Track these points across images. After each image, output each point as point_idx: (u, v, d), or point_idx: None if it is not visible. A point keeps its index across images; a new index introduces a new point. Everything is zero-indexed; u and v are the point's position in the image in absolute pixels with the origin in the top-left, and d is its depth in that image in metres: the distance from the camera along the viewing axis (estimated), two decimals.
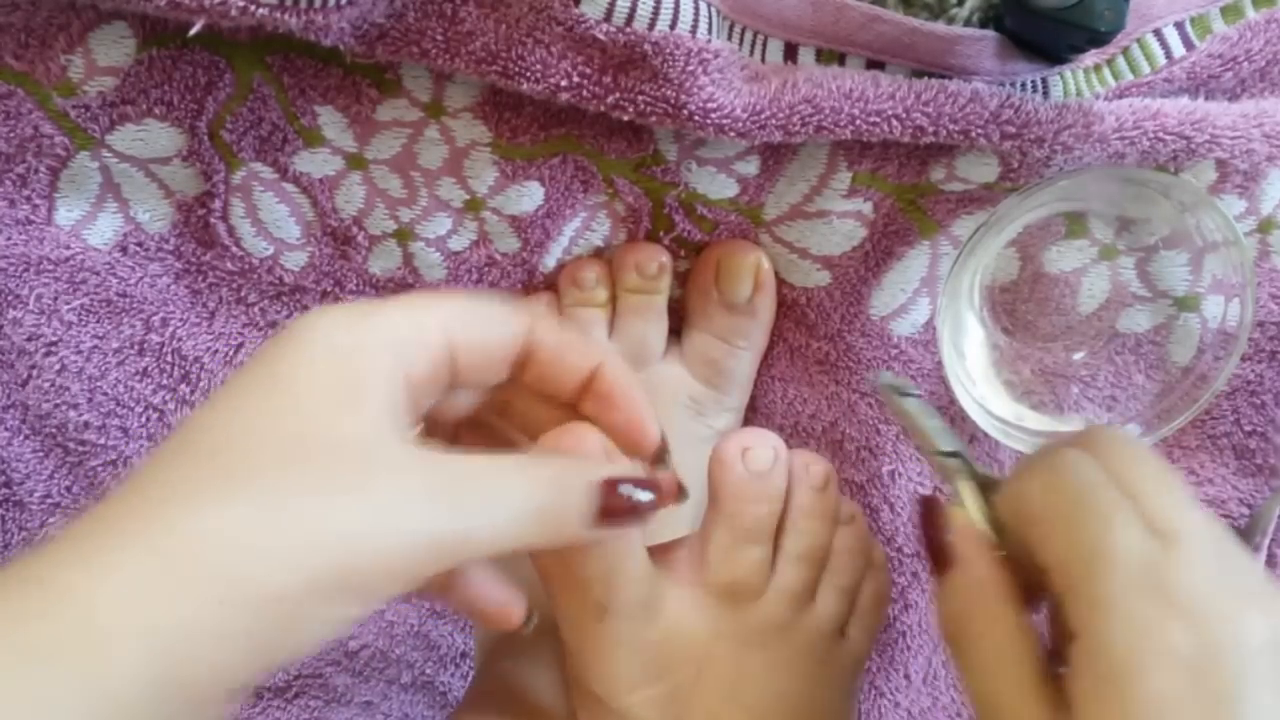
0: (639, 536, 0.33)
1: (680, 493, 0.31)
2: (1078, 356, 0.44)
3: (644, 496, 0.28)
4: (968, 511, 0.29)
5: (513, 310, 0.29)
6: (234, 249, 0.42)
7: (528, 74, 0.36)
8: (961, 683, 0.27)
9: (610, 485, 0.27)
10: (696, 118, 0.36)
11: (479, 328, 0.27)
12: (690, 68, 0.35)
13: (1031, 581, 0.27)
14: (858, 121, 0.37)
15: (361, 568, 0.22)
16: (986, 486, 0.30)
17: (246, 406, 0.24)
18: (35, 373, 0.43)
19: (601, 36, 0.35)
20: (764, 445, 0.35)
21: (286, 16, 0.33)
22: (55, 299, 0.42)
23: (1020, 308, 0.44)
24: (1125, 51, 0.39)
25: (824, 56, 0.38)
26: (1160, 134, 0.37)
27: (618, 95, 0.36)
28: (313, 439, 0.23)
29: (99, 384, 0.44)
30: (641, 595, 0.32)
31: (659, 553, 0.35)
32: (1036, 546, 0.26)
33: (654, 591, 0.33)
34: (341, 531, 0.22)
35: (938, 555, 0.29)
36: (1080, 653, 0.24)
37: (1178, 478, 0.26)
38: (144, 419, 0.45)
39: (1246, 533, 0.45)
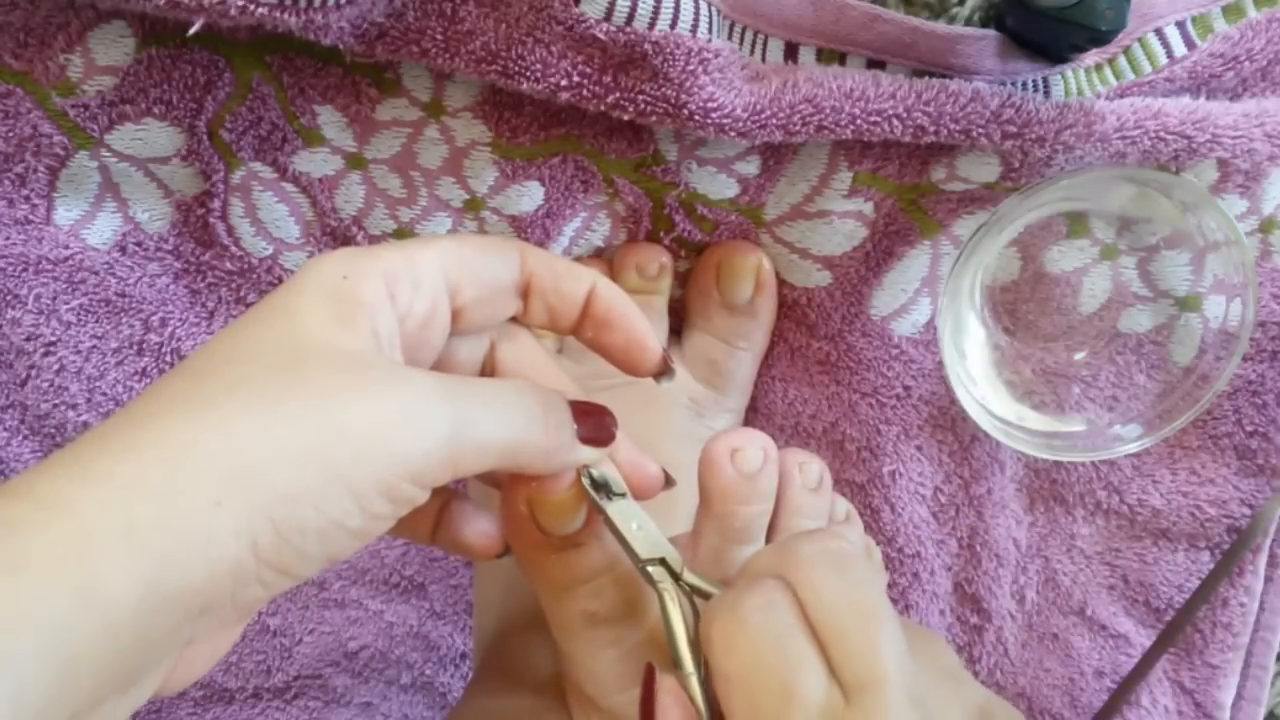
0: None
1: (668, 481, 0.32)
2: (1079, 356, 0.44)
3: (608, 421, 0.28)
4: (673, 630, 0.27)
5: (504, 241, 0.29)
6: (233, 249, 0.42)
7: (528, 73, 0.35)
8: None
9: (576, 404, 0.28)
10: (697, 117, 0.36)
11: (474, 260, 0.27)
12: (690, 67, 0.35)
13: None
14: (858, 121, 0.36)
15: (371, 465, 0.22)
16: (702, 595, 0.28)
17: (244, 332, 0.24)
18: (34, 372, 0.43)
19: (601, 36, 0.35)
20: (753, 446, 0.35)
21: (286, 16, 0.33)
22: (54, 299, 0.42)
23: (1021, 308, 0.44)
24: (1126, 51, 0.39)
25: (824, 56, 0.38)
26: (1162, 133, 0.37)
27: (618, 95, 0.36)
28: (309, 351, 0.23)
29: (98, 384, 0.43)
30: (628, 600, 0.32)
31: None
32: (723, 704, 0.25)
33: (639, 596, 0.33)
34: (348, 427, 0.22)
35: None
36: None
37: (877, 603, 0.25)
38: None
39: (1248, 533, 0.45)
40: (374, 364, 0.24)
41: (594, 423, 0.28)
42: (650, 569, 0.28)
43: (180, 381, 0.23)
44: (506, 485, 0.30)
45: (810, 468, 0.36)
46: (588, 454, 0.28)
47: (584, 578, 0.31)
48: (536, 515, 0.29)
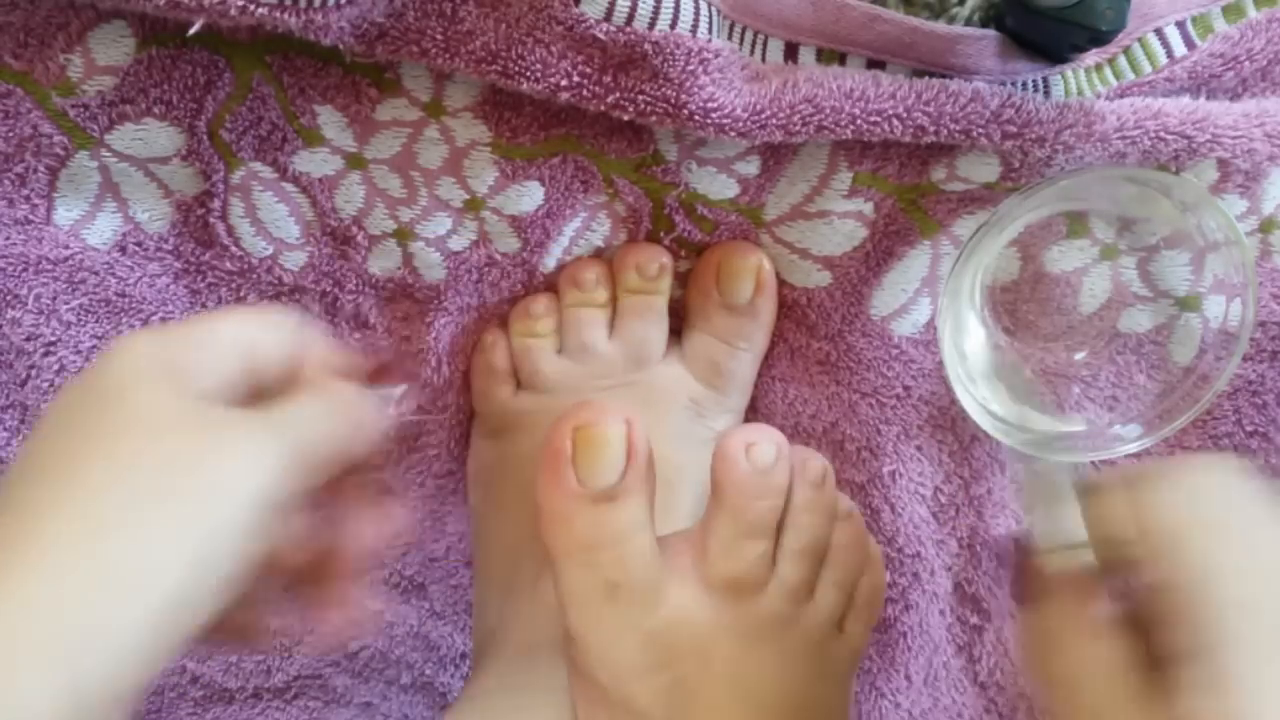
0: (649, 515, 0.33)
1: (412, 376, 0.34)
2: (1079, 357, 0.44)
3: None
4: (1055, 510, 0.28)
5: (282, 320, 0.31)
6: (233, 249, 0.42)
7: (528, 74, 0.35)
8: (1051, 708, 0.26)
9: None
10: (697, 117, 0.36)
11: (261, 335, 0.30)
12: (690, 67, 0.35)
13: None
14: (859, 121, 0.36)
15: (233, 531, 0.24)
16: (1084, 487, 0.28)
17: (77, 421, 0.25)
18: (34, 373, 0.43)
19: (601, 36, 0.35)
20: (767, 441, 0.35)
21: (286, 16, 0.33)
22: (54, 299, 0.42)
23: (1021, 308, 0.44)
24: (1126, 51, 0.39)
25: (824, 56, 0.38)
26: (1162, 133, 0.37)
27: (618, 95, 0.36)
28: (146, 430, 0.25)
29: None
30: (650, 577, 0.33)
31: (661, 546, 0.35)
32: (1162, 558, 0.25)
33: (661, 576, 0.33)
34: (204, 514, 0.24)
35: (1028, 585, 0.28)
36: (1201, 676, 0.23)
37: None
38: None
39: None
40: (214, 421, 0.26)
41: (389, 372, 0.31)
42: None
43: (42, 491, 0.24)
44: (551, 430, 0.31)
45: (813, 464, 0.37)
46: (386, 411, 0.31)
47: (610, 540, 0.31)
48: (579, 459, 0.32)
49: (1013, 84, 0.37)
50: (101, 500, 0.23)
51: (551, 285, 0.44)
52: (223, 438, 0.25)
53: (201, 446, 0.25)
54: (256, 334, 0.29)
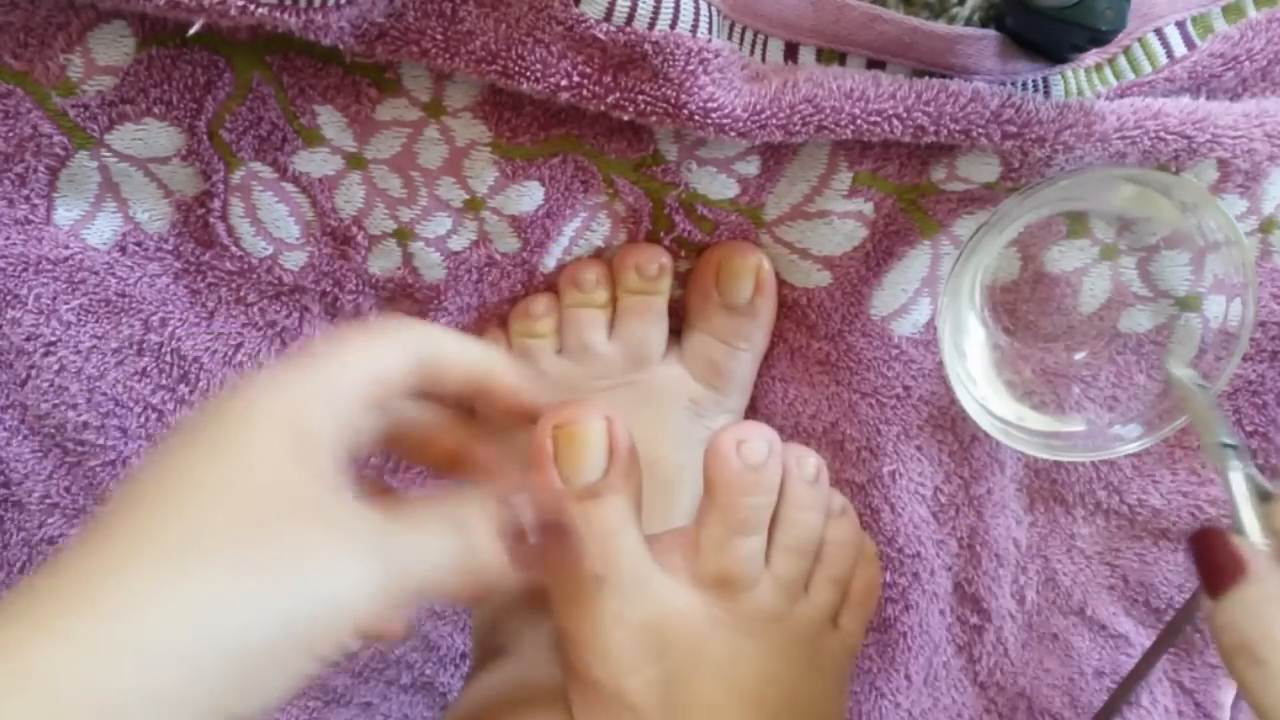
0: (634, 511, 0.33)
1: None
2: (1079, 356, 0.44)
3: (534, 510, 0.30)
4: (1237, 505, 0.30)
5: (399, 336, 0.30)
6: (233, 249, 0.42)
7: (528, 74, 0.36)
8: (1251, 697, 0.26)
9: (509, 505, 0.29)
10: (697, 117, 0.36)
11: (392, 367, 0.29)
12: (690, 67, 0.35)
13: None
14: (859, 121, 0.36)
15: (327, 626, 0.24)
16: (1260, 492, 0.30)
17: (196, 468, 0.25)
18: (34, 372, 0.43)
19: (601, 36, 0.35)
20: (759, 438, 0.35)
21: (286, 16, 0.33)
22: (54, 299, 0.42)
23: (1021, 308, 0.44)
24: (1127, 51, 0.39)
25: (824, 56, 0.38)
26: (1162, 133, 0.37)
27: (618, 95, 0.36)
28: (271, 499, 0.24)
29: (98, 384, 0.43)
30: (637, 570, 0.33)
31: (653, 543, 0.35)
32: None
33: (649, 570, 0.33)
34: (310, 593, 0.24)
35: (1222, 571, 0.28)
36: None
37: None
38: (143, 419, 0.45)
39: None
40: (331, 519, 0.25)
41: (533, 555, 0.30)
42: (1225, 451, 0.32)
43: (136, 524, 0.24)
44: (536, 429, 0.32)
45: (807, 461, 0.37)
46: (513, 572, 0.29)
47: (595, 536, 0.32)
48: (561, 458, 0.31)
49: (1013, 84, 0.37)
50: (180, 559, 0.23)
51: (551, 285, 0.44)
52: (330, 545, 0.25)
53: (308, 547, 0.24)
54: (380, 369, 0.28)
